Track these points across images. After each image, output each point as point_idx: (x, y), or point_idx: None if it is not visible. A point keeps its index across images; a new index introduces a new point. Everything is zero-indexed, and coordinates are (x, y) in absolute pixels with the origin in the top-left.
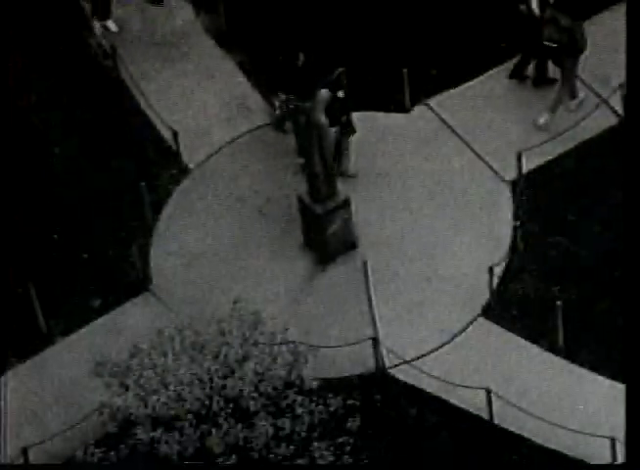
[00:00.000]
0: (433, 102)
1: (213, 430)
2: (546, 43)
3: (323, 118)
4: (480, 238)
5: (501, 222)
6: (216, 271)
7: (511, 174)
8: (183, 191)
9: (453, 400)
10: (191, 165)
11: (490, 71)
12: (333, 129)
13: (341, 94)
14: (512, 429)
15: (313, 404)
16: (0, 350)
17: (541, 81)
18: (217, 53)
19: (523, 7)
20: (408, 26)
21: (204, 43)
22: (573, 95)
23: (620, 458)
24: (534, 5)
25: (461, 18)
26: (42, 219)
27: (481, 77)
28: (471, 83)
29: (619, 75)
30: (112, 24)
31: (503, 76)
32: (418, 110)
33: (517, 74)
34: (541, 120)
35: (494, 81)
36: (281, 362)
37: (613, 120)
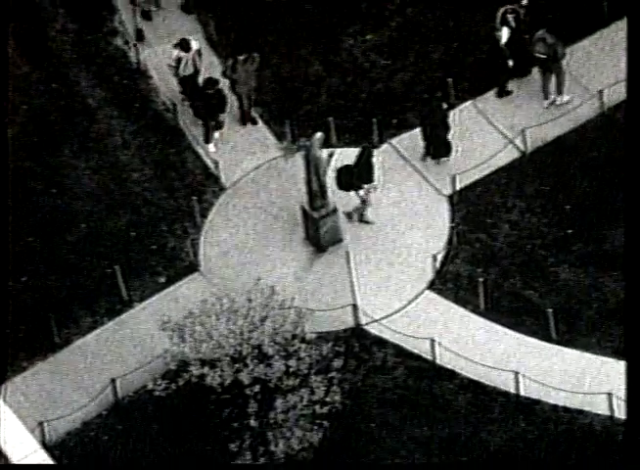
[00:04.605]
0: (394, 141)
1: (244, 368)
2: (537, 55)
3: (319, 152)
4: (427, 234)
5: (441, 224)
6: (245, 258)
7: (448, 191)
8: (222, 203)
9: (407, 347)
10: (227, 185)
11: None
12: (325, 160)
13: (445, 105)
14: (448, 366)
15: (312, 350)
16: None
17: (503, 94)
18: None
19: (498, 34)
20: (377, 90)
21: (235, 102)
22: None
23: (522, 387)
24: (504, 35)
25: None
26: (124, 223)
27: None
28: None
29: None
30: (212, 147)
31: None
32: (383, 147)
33: (502, 93)
34: (559, 101)
35: None
36: (289, 321)
37: (517, 155)
